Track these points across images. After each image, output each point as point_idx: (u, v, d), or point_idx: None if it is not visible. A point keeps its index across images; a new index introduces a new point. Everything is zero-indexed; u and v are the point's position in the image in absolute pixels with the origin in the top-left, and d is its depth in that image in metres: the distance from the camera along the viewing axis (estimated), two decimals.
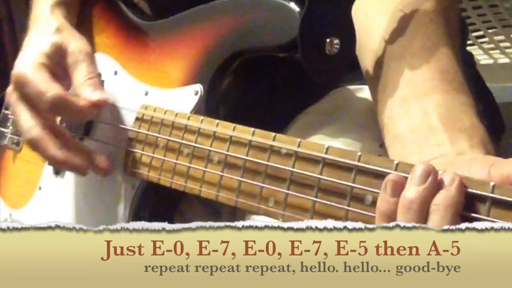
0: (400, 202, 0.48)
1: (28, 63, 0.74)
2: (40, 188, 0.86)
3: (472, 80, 0.65)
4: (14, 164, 0.94)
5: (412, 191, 0.47)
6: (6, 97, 0.98)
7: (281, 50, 0.66)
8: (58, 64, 0.75)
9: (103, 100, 0.72)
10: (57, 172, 0.84)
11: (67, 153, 0.73)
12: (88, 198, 0.79)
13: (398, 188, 0.48)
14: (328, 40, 0.64)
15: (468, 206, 0.46)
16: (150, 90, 0.76)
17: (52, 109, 0.73)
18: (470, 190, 0.46)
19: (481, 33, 1.31)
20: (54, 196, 0.84)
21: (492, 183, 0.45)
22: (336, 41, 0.64)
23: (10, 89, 0.75)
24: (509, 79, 1.33)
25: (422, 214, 0.47)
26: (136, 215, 0.73)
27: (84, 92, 0.73)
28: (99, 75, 0.77)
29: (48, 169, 0.85)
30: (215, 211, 0.81)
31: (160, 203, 0.74)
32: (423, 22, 0.64)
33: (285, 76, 0.77)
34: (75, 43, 0.77)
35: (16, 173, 0.94)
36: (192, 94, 0.71)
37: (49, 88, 0.72)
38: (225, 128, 0.64)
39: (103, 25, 0.86)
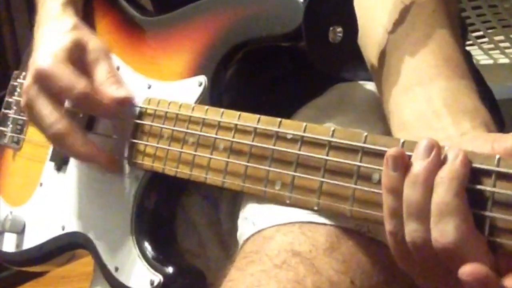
0: (407, 177, 0.49)
1: (50, 58, 0.74)
2: (41, 185, 0.86)
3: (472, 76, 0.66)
4: (14, 162, 0.94)
5: (417, 165, 0.48)
6: (7, 96, 0.98)
7: (285, 39, 0.66)
8: (78, 60, 0.75)
9: (129, 98, 0.73)
10: (59, 168, 0.84)
11: (92, 146, 0.74)
12: (91, 192, 0.79)
13: (399, 162, 0.49)
14: (331, 28, 0.64)
15: (474, 179, 0.47)
16: (153, 84, 0.76)
17: (78, 103, 0.74)
18: (475, 164, 0.47)
19: (481, 33, 1.31)
20: (56, 191, 0.83)
21: (497, 156, 0.46)
22: (339, 29, 0.65)
23: (27, 84, 0.75)
24: (509, 79, 1.33)
25: (428, 187, 0.48)
26: (140, 207, 0.72)
27: (109, 89, 0.73)
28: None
29: (50, 165, 0.85)
30: (214, 202, 0.80)
31: (164, 194, 0.73)
32: (426, 13, 0.64)
33: (287, 69, 0.77)
34: (93, 41, 0.77)
35: (16, 171, 0.93)
36: (196, 85, 0.71)
37: (77, 83, 0.72)
38: (230, 116, 0.64)
39: (104, 21, 0.86)
